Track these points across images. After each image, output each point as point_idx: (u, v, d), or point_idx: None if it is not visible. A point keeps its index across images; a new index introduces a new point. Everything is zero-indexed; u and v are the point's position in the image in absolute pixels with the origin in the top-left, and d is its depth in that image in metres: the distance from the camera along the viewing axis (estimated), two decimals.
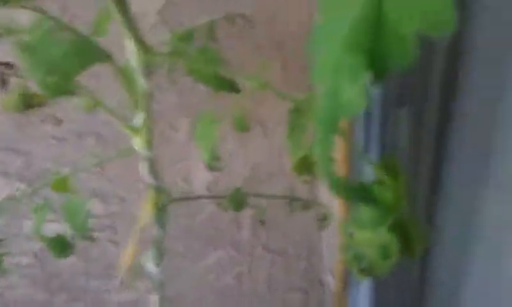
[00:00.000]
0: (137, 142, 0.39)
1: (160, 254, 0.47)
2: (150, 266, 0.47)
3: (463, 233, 0.74)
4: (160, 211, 0.43)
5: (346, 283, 1.02)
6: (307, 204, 0.60)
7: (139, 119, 0.36)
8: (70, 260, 1.00)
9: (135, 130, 0.37)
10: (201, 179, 1.00)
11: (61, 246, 0.47)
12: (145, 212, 0.42)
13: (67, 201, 0.53)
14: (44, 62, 0.21)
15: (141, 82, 0.31)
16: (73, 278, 1.06)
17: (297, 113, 0.34)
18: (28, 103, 0.38)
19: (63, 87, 0.22)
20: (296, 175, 0.39)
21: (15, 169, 0.91)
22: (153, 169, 0.42)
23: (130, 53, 0.31)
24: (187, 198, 0.88)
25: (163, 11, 0.82)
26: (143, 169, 0.40)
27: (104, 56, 0.25)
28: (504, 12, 0.59)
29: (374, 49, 0.14)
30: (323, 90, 0.16)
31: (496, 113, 0.63)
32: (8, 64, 0.42)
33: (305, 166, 0.36)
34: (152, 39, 0.82)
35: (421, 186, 0.86)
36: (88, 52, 0.23)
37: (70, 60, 0.22)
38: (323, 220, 0.62)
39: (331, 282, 1.19)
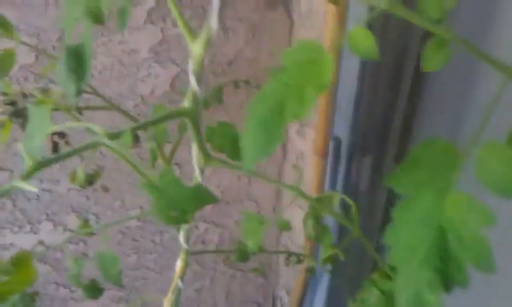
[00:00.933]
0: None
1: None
2: None
3: None
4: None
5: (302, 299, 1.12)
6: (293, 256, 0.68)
7: None
8: (43, 270, 1.04)
9: None
10: None
11: (94, 290, 0.52)
12: (179, 270, 0.49)
13: (102, 253, 0.55)
14: (169, 202, 0.28)
15: None
16: (44, 286, 1.09)
17: None
18: (90, 180, 0.44)
19: (180, 220, 0.29)
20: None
21: None
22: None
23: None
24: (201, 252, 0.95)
25: (156, 48, 0.88)
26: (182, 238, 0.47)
27: (212, 198, 0.31)
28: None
29: (444, 270, 0.22)
30: (407, 294, 0.23)
31: None
32: (61, 134, 0.47)
33: None
34: (144, 72, 0.88)
35: (376, 223, 0.98)
36: (202, 196, 0.30)
37: (188, 202, 0.29)
38: (293, 261, 0.70)
39: (285, 298, 1.30)
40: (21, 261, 0.33)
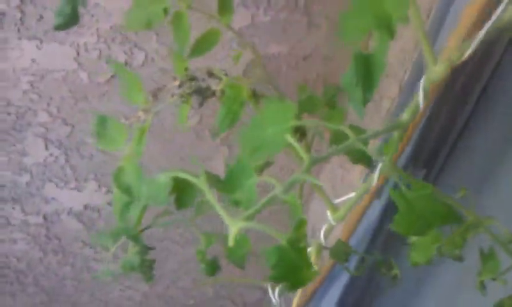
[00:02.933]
0: None
1: None
2: None
3: None
4: None
5: None
6: None
7: None
8: (75, 227, 1.03)
9: None
10: None
11: (214, 268, 0.52)
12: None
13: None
14: (418, 215, 0.30)
15: None
16: (71, 243, 1.08)
17: None
18: None
19: (422, 232, 0.31)
20: None
21: None
22: None
23: None
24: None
25: (242, 30, 0.88)
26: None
27: (457, 218, 0.33)
28: None
29: None
30: None
31: None
32: (212, 74, 0.46)
33: None
34: (225, 53, 0.88)
35: None
36: (450, 214, 0.32)
37: (437, 217, 0.31)
38: None
39: None
40: None
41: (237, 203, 0.35)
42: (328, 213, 0.47)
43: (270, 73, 0.95)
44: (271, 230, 0.29)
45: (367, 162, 0.63)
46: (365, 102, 0.31)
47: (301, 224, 0.29)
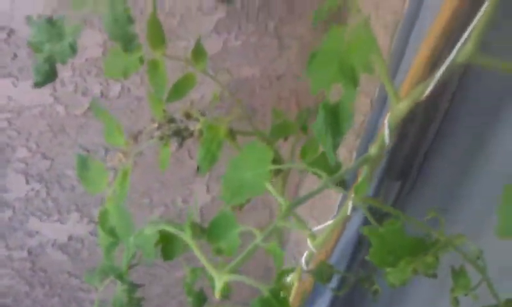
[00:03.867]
0: None
1: None
2: None
3: None
4: None
5: None
6: None
7: None
8: (60, 258, 1.04)
9: None
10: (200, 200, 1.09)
11: (201, 300, 0.54)
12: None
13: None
14: (389, 249, 0.32)
15: None
16: (57, 275, 1.08)
17: None
18: None
19: (394, 264, 0.33)
20: None
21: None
22: None
23: None
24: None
25: (213, 57, 0.90)
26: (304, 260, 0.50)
27: (428, 248, 0.35)
28: None
29: None
30: None
31: None
32: (189, 116, 0.47)
33: None
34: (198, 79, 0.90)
35: None
36: (419, 246, 0.35)
37: (406, 250, 0.33)
38: None
39: None
40: None
41: (220, 252, 0.37)
42: (308, 241, 0.49)
43: (244, 94, 0.97)
44: (254, 282, 0.31)
45: (343, 186, 0.66)
46: (335, 147, 0.33)
47: (282, 274, 0.31)
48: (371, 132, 0.87)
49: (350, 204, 0.43)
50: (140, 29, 0.45)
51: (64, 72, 0.83)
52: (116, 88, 0.87)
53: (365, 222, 1.06)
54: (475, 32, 0.31)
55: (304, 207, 1.24)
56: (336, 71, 0.34)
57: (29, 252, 1.02)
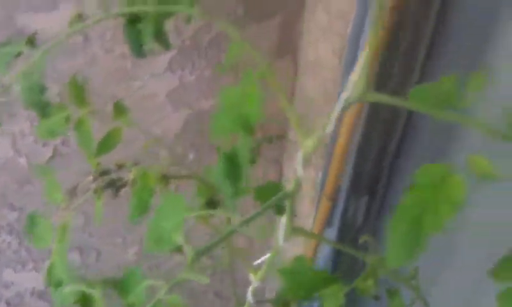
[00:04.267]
0: None
1: None
2: None
3: None
4: None
5: None
6: None
7: None
8: (40, 305, 1.04)
9: None
10: None
11: None
12: None
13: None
14: (299, 283, 0.34)
15: None
16: None
17: None
18: None
19: (306, 297, 0.35)
20: None
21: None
22: None
23: None
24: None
25: (171, 93, 0.92)
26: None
27: (334, 280, 0.37)
28: None
29: None
30: None
31: None
32: (121, 166, 0.49)
33: None
34: (159, 115, 0.92)
35: None
36: (327, 279, 0.36)
37: (316, 283, 0.35)
38: None
39: None
40: None
41: (130, 306, 0.38)
42: (251, 276, 0.50)
43: (206, 126, 0.99)
44: None
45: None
46: (235, 194, 0.34)
47: None
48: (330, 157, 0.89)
49: (281, 234, 0.44)
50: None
51: (23, 124, 0.85)
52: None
53: (340, 237, 1.07)
54: (364, 70, 0.33)
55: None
56: (234, 120, 0.35)
57: (8, 303, 1.03)
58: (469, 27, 0.69)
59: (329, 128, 0.39)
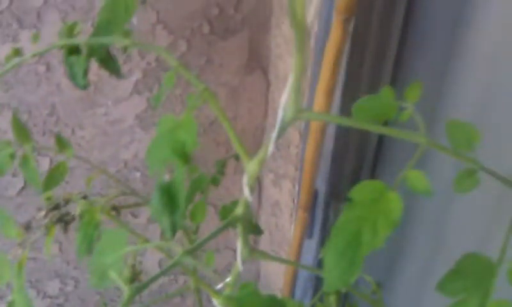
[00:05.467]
0: None
1: None
2: None
3: None
4: None
5: None
6: None
7: None
8: None
9: None
10: None
11: None
12: None
13: None
14: None
15: None
16: None
17: None
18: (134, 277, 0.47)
19: None
20: None
21: None
22: None
23: None
24: None
25: (140, 115, 0.91)
26: None
27: (281, 304, 0.36)
28: None
29: None
30: None
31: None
32: (69, 200, 0.49)
33: None
34: (128, 139, 0.91)
35: None
36: (276, 304, 0.35)
37: None
38: None
39: None
40: None
41: None
42: (214, 300, 0.49)
43: None
44: None
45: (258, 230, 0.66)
46: (174, 226, 0.34)
47: None
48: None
49: (239, 259, 0.44)
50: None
51: None
52: (45, 163, 0.88)
53: (322, 247, 1.06)
54: (294, 91, 0.32)
55: (263, 241, 1.24)
56: (168, 150, 0.35)
57: None
58: (436, 28, 0.69)
59: (270, 149, 0.39)
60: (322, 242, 1.04)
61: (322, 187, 0.97)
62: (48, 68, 0.78)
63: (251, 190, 0.41)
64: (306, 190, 0.89)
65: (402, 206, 0.31)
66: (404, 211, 0.32)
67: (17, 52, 0.42)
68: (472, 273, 0.33)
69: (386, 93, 0.39)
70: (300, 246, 1.02)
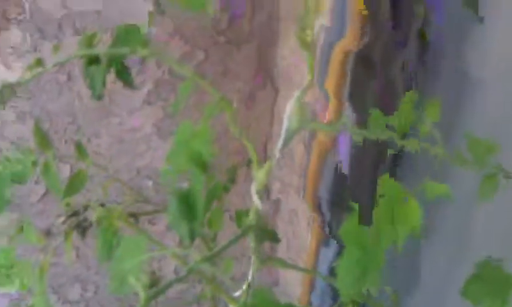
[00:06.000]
0: None
1: None
2: None
3: None
4: None
5: None
6: None
7: None
8: None
9: None
10: None
11: None
12: None
13: None
14: None
15: None
16: None
17: None
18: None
19: None
20: None
21: None
22: None
23: None
24: None
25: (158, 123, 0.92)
26: None
27: None
28: None
29: None
30: None
31: None
32: (87, 207, 0.49)
33: None
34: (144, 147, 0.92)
35: None
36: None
37: None
38: None
39: None
40: None
41: None
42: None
43: None
44: None
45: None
46: (193, 234, 0.34)
47: None
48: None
49: (252, 269, 0.44)
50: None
51: None
52: (65, 170, 0.90)
53: (339, 254, 1.06)
54: (298, 102, 0.33)
55: (281, 249, 1.24)
56: (186, 159, 0.36)
57: None
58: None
59: (276, 157, 0.40)
60: (340, 251, 1.04)
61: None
62: (70, 77, 0.80)
63: (260, 197, 0.42)
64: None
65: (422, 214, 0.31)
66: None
67: (39, 63, 0.44)
68: (491, 279, 0.33)
69: (405, 106, 0.40)
70: (316, 254, 1.01)
